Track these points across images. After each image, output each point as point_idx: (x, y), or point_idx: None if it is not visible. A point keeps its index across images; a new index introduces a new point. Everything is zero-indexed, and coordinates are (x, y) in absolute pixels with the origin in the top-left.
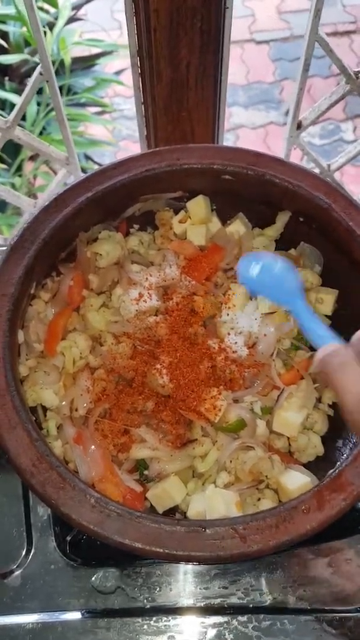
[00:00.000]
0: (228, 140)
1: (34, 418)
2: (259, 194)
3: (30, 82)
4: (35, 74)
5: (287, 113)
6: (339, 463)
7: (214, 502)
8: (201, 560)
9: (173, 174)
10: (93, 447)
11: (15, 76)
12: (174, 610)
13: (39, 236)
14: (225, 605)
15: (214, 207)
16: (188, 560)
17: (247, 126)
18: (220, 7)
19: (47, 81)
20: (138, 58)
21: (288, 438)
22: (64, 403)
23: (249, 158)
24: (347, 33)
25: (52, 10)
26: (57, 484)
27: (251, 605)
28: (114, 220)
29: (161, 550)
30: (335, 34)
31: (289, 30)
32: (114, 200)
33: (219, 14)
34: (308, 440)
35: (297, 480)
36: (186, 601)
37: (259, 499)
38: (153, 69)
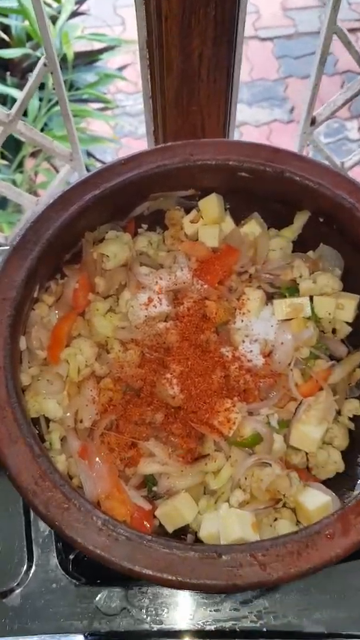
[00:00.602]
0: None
1: (37, 430)
2: (276, 192)
3: (34, 72)
4: (39, 64)
5: (291, 111)
6: None
7: (229, 523)
8: (217, 590)
9: (185, 170)
10: (99, 461)
11: (17, 71)
12: (182, 634)
13: (43, 236)
14: (237, 629)
15: (228, 207)
16: (203, 589)
17: (251, 124)
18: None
19: (52, 72)
20: (147, 49)
21: (306, 453)
22: (68, 414)
23: (267, 154)
24: (353, 30)
25: (55, 5)
26: (61, 504)
27: (265, 629)
28: (121, 219)
29: (174, 578)
30: None
31: (294, 27)
32: (123, 199)
33: (233, 4)
34: (328, 456)
35: (317, 500)
36: (195, 624)
37: (275, 519)
38: (163, 59)
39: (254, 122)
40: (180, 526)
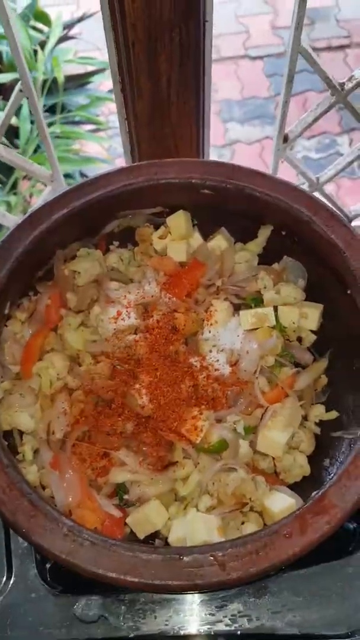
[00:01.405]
0: (224, 156)
1: (8, 443)
2: (239, 207)
3: (11, 99)
4: (15, 90)
5: None
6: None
7: (195, 528)
8: (179, 590)
9: (151, 189)
10: (70, 472)
11: (9, 95)
12: (159, 639)
13: (12, 255)
14: (212, 633)
15: (195, 222)
16: (165, 590)
17: (243, 141)
18: (199, 21)
19: (27, 98)
20: (119, 74)
21: (273, 458)
22: (40, 426)
23: (227, 171)
24: (342, 47)
25: (45, 29)
26: (28, 512)
27: (239, 632)
28: (93, 237)
29: (136, 579)
30: (329, 48)
31: (283, 46)
32: (92, 217)
33: (198, 28)
34: (294, 460)
35: (282, 503)
36: (171, 629)
37: (243, 523)
38: (134, 84)
39: (246, 139)
40: (150, 532)
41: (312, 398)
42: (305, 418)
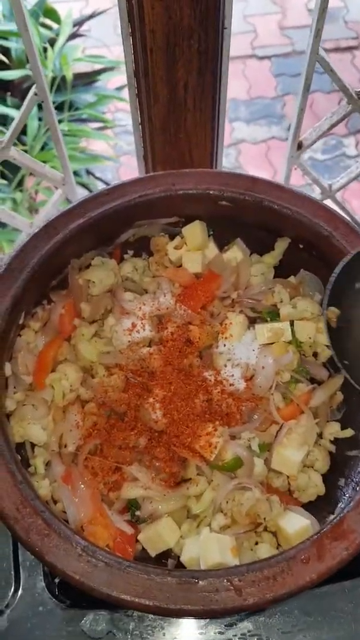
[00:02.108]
0: (229, 155)
1: (20, 456)
2: (257, 219)
3: (25, 102)
4: (30, 94)
5: (289, 128)
6: (340, 506)
7: (209, 547)
8: (194, 615)
9: (168, 199)
10: (82, 486)
11: (17, 92)
12: None
13: (28, 265)
14: None
15: (211, 233)
16: (180, 614)
17: (249, 141)
18: (218, 28)
19: (42, 102)
20: (135, 78)
21: (287, 477)
22: (52, 439)
23: (247, 183)
24: (350, 49)
25: (55, 26)
26: (41, 531)
27: None
28: (107, 246)
29: (151, 603)
30: (337, 49)
31: (291, 46)
32: (107, 226)
33: (216, 35)
34: (308, 479)
35: (297, 524)
36: None
37: (256, 543)
38: (150, 89)
39: (252, 139)
40: (162, 550)
41: (328, 415)
42: (320, 436)
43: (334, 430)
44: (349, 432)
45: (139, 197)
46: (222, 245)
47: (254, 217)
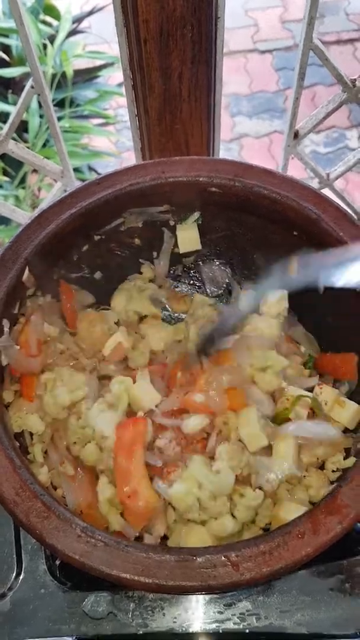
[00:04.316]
0: (232, 149)
1: (19, 444)
2: (247, 205)
3: (22, 96)
4: (27, 87)
5: None
6: (335, 484)
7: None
8: (192, 591)
9: (158, 187)
10: (80, 472)
11: (18, 89)
12: (168, 637)
13: (21, 255)
14: (221, 631)
15: (201, 221)
16: (179, 591)
17: (251, 135)
18: (211, 17)
19: (39, 94)
20: (130, 70)
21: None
22: (47, 431)
23: (236, 169)
24: (351, 41)
25: (55, 23)
26: (41, 513)
27: (247, 631)
28: (96, 234)
29: (150, 581)
30: (338, 42)
31: (292, 40)
32: (99, 215)
33: (209, 24)
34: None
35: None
36: (180, 627)
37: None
38: (145, 80)
39: (254, 133)
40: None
41: None
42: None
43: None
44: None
45: (129, 185)
46: (211, 230)
47: (243, 203)
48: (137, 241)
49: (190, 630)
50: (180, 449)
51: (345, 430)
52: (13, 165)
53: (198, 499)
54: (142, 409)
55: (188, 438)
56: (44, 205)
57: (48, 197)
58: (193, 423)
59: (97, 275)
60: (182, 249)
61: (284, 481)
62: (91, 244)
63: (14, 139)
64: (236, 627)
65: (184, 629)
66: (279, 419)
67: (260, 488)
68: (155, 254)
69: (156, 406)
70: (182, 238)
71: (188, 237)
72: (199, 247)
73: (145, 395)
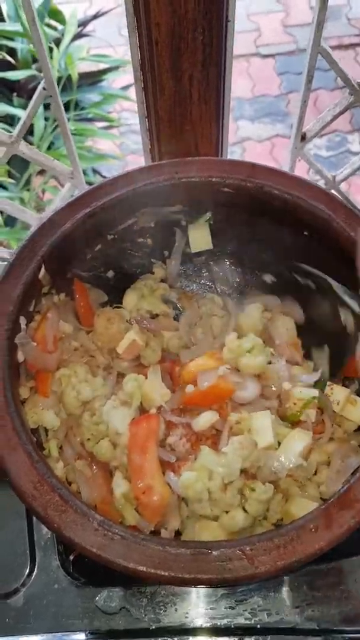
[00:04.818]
0: (234, 153)
1: (35, 439)
2: (258, 205)
3: (34, 97)
4: (39, 89)
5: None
6: (349, 478)
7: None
8: (208, 583)
9: (171, 187)
10: (95, 467)
11: (23, 92)
12: (179, 632)
13: (38, 253)
14: (232, 626)
15: (212, 221)
16: (194, 583)
17: (254, 139)
18: (221, 21)
19: (51, 96)
20: (141, 72)
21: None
22: (62, 428)
23: (248, 170)
24: (352, 45)
25: (60, 27)
26: (58, 507)
27: (259, 626)
28: (109, 233)
29: (166, 573)
30: (340, 46)
31: (295, 44)
32: (112, 215)
33: (220, 27)
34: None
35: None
36: (191, 622)
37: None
38: (156, 82)
39: (257, 137)
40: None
41: None
42: None
43: None
44: None
45: (143, 185)
46: (224, 232)
47: (254, 203)
48: (149, 241)
49: (202, 625)
50: (191, 445)
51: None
52: (18, 167)
53: (208, 490)
54: (153, 405)
55: (198, 434)
56: (57, 204)
57: (58, 198)
58: (203, 420)
59: (110, 274)
60: (194, 248)
61: (291, 471)
62: (104, 243)
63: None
64: (247, 622)
65: (195, 624)
66: (289, 420)
67: (270, 482)
68: (167, 253)
69: (165, 403)
70: (193, 238)
71: (199, 237)
72: (210, 246)
73: (156, 391)
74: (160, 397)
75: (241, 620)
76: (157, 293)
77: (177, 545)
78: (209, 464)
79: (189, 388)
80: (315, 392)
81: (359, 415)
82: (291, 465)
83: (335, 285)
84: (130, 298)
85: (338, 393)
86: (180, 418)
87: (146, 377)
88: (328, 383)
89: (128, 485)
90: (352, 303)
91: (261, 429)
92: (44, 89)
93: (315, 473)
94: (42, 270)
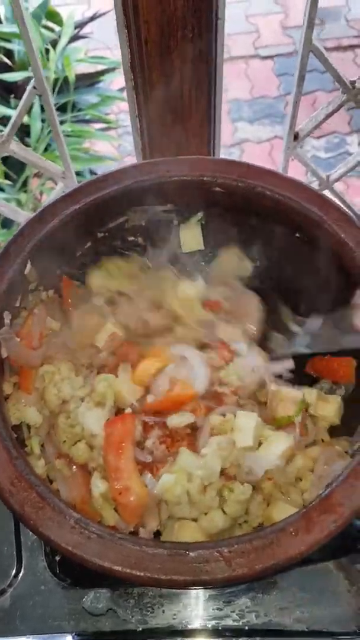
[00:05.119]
0: (233, 154)
1: (17, 435)
2: (250, 206)
3: (24, 96)
4: (29, 88)
5: None
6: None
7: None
8: (184, 585)
9: (163, 185)
10: (74, 467)
11: (20, 93)
12: (167, 633)
13: (25, 249)
14: (220, 628)
15: (204, 221)
16: (171, 585)
17: (253, 141)
18: (211, 19)
19: (41, 95)
20: (131, 71)
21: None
22: (45, 426)
23: (240, 170)
24: (351, 47)
25: (57, 28)
26: (36, 504)
27: (247, 628)
28: (98, 231)
29: (142, 574)
30: (338, 48)
31: (293, 45)
32: (102, 212)
33: (210, 25)
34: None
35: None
36: (179, 624)
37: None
38: (146, 80)
39: (255, 139)
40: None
41: None
42: None
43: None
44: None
45: (134, 182)
46: (214, 232)
47: (246, 204)
48: (140, 240)
49: (190, 627)
50: (167, 447)
51: (339, 432)
52: (15, 168)
53: (187, 492)
54: (127, 405)
55: (175, 436)
56: (48, 201)
57: (50, 197)
58: (176, 421)
59: None
60: (185, 248)
61: (271, 473)
62: (94, 240)
63: (15, 140)
64: (235, 624)
65: (183, 625)
66: (278, 423)
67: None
68: (157, 252)
69: (136, 401)
70: (185, 238)
71: (191, 237)
72: (201, 247)
73: (127, 390)
74: (131, 395)
75: (229, 622)
76: (124, 270)
77: (154, 546)
78: (187, 467)
79: (150, 398)
80: (301, 394)
81: (333, 411)
82: (270, 466)
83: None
84: (95, 278)
85: (309, 394)
86: (155, 418)
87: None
88: (297, 387)
89: (106, 486)
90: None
91: (243, 429)
92: (34, 87)
93: (301, 479)
94: (29, 265)
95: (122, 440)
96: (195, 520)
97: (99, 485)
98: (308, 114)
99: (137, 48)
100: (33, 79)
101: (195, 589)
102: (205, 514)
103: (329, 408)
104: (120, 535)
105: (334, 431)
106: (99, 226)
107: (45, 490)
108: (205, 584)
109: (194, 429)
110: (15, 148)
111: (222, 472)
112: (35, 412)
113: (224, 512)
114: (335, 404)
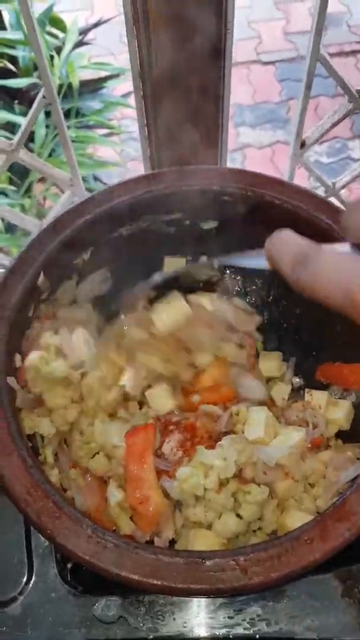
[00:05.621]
0: (235, 159)
1: (32, 445)
2: (259, 215)
3: (34, 105)
4: (39, 97)
5: None
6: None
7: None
8: (200, 593)
9: (172, 195)
10: (89, 476)
11: (25, 99)
12: None
13: (38, 259)
14: (231, 636)
15: (214, 226)
16: (187, 593)
17: (254, 146)
18: (220, 28)
19: (50, 104)
20: (140, 80)
21: None
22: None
23: (249, 179)
24: (353, 52)
25: (61, 35)
26: (52, 513)
27: (257, 636)
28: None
29: (159, 582)
30: (340, 53)
31: (295, 51)
32: (112, 223)
33: (220, 35)
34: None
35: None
36: (190, 632)
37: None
38: (154, 90)
39: (257, 144)
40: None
41: None
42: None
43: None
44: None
45: (144, 192)
46: (224, 243)
47: (255, 213)
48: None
49: (200, 635)
50: (184, 451)
51: (350, 438)
52: (19, 174)
53: (203, 486)
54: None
55: (193, 439)
56: (56, 213)
57: (57, 205)
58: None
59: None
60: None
61: (284, 467)
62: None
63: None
64: (246, 632)
65: (194, 633)
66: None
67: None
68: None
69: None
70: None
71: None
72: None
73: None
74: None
75: (240, 630)
76: None
77: (170, 554)
78: (205, 459)
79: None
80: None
81: (342, 416)
82: (283, 454)
83: None
84: None
85: (318, 398)
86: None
87: None
88: (307, 390)
89: (123, 495)
90: None
91: (254, 422)
92: (43, 97)
93: (313, 486)
94: (42, 276)
95: (144, 450)
96: (209, 527)
97: (115, 495)
98: (311, 119)
99: (146, 57)
100: (43, 88)
101: (211, 597)
102: (220, 518)
103: (339, 412)
104: (137, 545)
105: (344, 438)
106: (108, 236)
107: (61, 500)
108: (221, 593)
109: (210, 434)
110: (24, 156)
111: (238, 475)
112: (48, 423)
113: (238, 516)
114: (344, 408)
